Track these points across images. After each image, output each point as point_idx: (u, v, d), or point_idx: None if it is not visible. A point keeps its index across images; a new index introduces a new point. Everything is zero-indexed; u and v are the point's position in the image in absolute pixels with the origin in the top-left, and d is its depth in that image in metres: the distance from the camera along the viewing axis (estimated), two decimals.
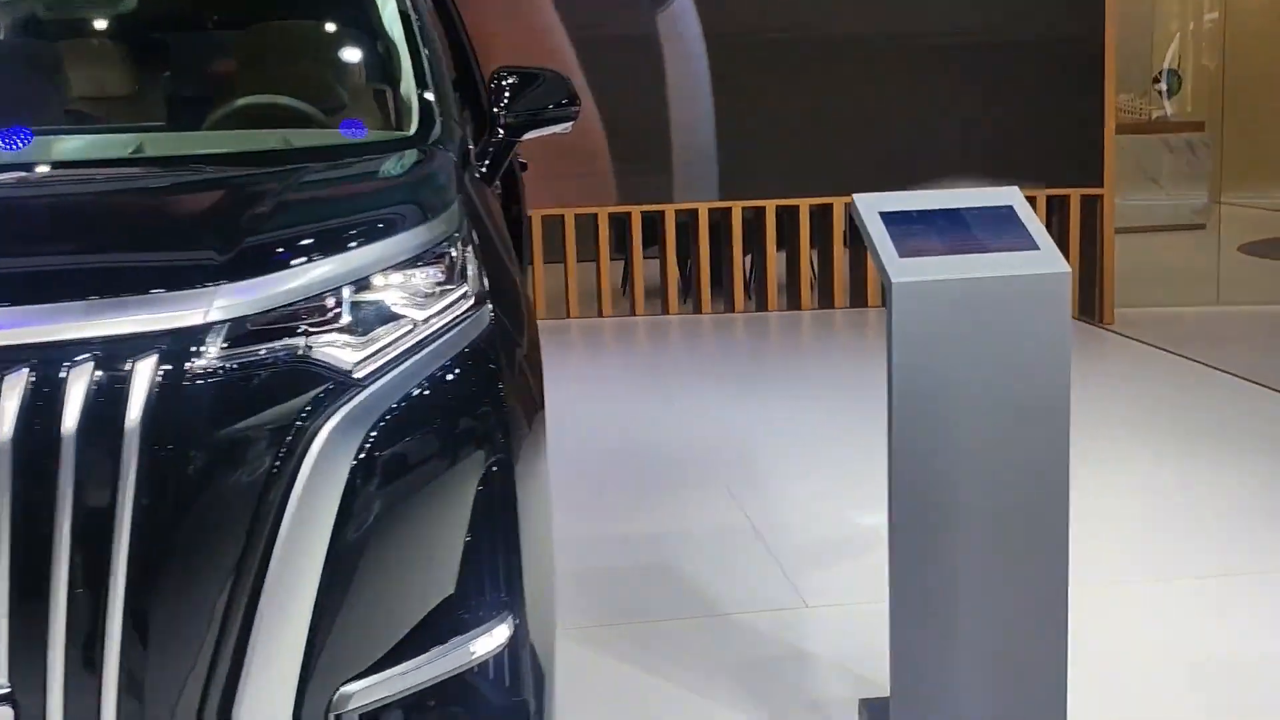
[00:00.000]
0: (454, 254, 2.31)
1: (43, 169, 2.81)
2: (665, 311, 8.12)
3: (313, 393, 2.05)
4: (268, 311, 2.07)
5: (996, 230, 2.74)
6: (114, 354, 1.96)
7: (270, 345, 2.06)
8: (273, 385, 2.04)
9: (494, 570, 2.22)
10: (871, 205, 2.76)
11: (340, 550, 2.03)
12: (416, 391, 2.14)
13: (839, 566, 3.88)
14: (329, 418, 2.04)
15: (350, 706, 2.07)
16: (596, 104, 7.60)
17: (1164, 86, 11.64)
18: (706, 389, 6.24)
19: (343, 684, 2.07)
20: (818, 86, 7.82)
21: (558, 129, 3.35)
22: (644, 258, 8.15)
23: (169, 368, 1.98)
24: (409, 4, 3.23)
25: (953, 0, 7.86)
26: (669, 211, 7.99)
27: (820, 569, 3.86)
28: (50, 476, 1.89)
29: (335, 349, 2.10)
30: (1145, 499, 4.50)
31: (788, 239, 8.08)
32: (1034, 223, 2.76)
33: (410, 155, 2.77)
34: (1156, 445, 5.09)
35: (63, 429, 1.90)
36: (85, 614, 1.92)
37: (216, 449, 1.98)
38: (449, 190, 2.53)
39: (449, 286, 2.27)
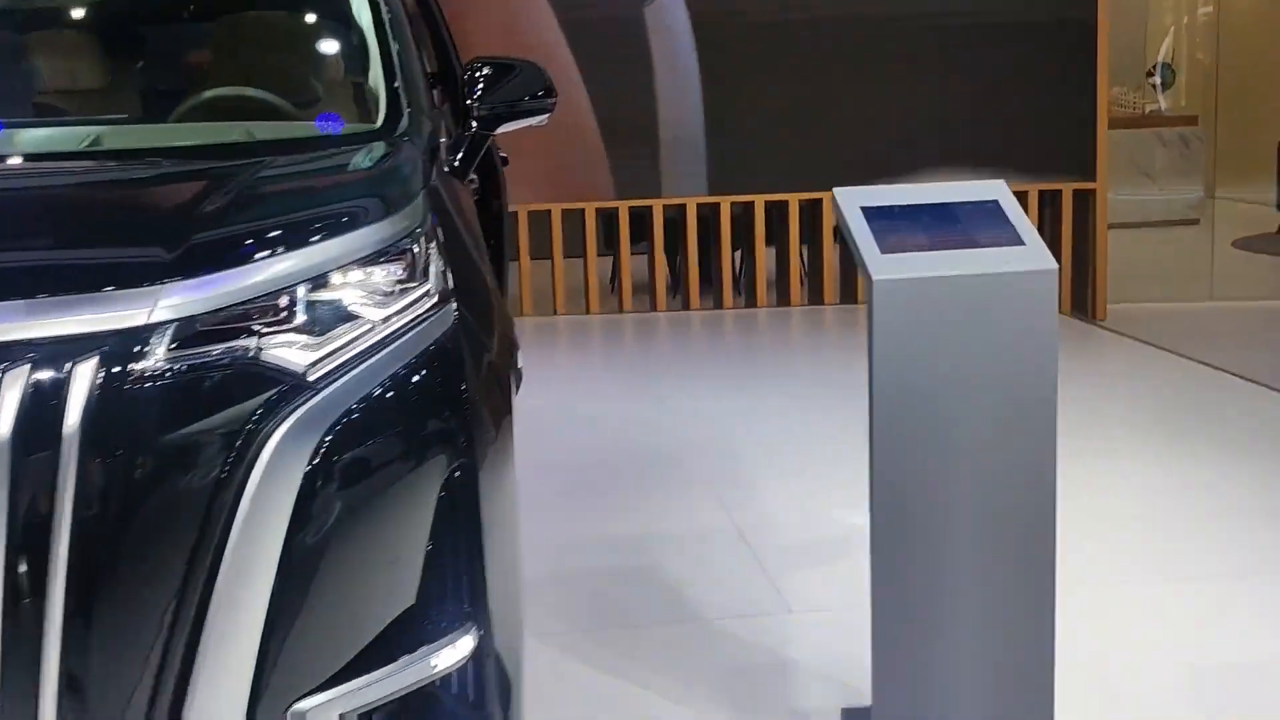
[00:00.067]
0: (416, 250, 2.23)
1: None
2: (653, 308, 8.05)
3: (264, 396, 1.98)
4: (218, 311, 2.00)
5: (981, 225, 2.67)
6: (54, 356, 1.89)
7: (220, 346, 1.99)
8: (222, 388, 1.97)
9: (457, 580, 2.15)
10: (853, 199, 2.69)
11: (293, 560, 1.96)
12: (374, 394, 2.07)
13: (824, 570, 3.80)
14: (281, 422, 1.97)
15: None
16: (590, 98, 7.54)
17: (1158, 80, 11.57)
18: (694, 387, 6.17)
19: (297, 699, 2.00)
20: (806, 80, 7.74)
21: (533, 121, 3.27)
22: (632, 253, 8.07)
23: (112, 370, 1.91)
24: None
25: None
26: (657, 207, 7.91)
27: (805, 573, 3.78)
28: None
29: (288, 350, 2.03)
30: (1140, 499, 4.43)
31: (777, 234, 8.01)
32: (1020, 218, 2.68)
33: (376, 148, 2.69)
34: (1150, 444, 5.03)
35: None
36: (25, 625, 1.85)
37: (161, 455, 1.92)
38: (413, 184, 2.44)
39: (410, 284, 2.19)
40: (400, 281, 2.18)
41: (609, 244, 8.10)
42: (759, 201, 7.88)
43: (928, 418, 2.54)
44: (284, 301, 2.05)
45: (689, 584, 3.72)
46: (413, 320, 2.16)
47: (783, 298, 8.10)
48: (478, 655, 2.14)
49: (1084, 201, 7.65)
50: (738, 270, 8.24)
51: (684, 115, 7.81)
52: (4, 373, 1.86)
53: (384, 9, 3.11)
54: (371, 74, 2.99)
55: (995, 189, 2.75)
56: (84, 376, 1.88)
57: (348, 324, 2.09)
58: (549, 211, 7.79)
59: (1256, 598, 3.55)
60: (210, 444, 1.93)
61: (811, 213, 7.93)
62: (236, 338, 2.00)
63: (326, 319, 2.08)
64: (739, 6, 7.77)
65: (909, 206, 2.69)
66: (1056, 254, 7.48)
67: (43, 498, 1.85)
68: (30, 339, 1.90)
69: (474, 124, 3.17)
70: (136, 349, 1.92)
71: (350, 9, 3.18)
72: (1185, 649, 3.26)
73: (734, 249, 8.09)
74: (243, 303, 2.01)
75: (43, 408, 1.86)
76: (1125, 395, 5.89)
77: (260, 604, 1.94)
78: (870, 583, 2.62)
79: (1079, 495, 4.16)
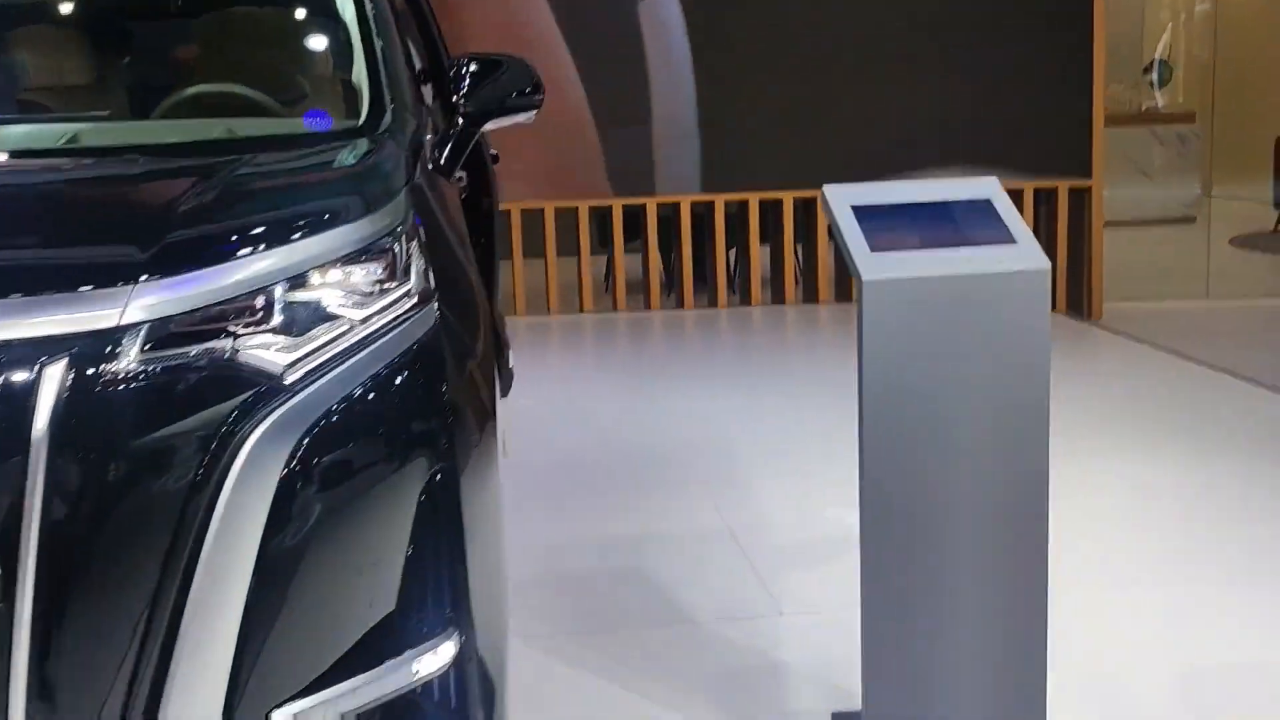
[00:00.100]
0: (397, 249, 2.19)
1: None
2: (648, 307, 8.01)
3: (240, 398, 1.94)
4: (193, 311, 1.96)
5: (973, 224, 2.63)
6: (24, 357, 1.86)
7: (195, 347, 1.95)
8: (197, 390, 1.94)
9: (438, 585, 2.11)
10: (842, 197, 2.65)
11: (270, 565, 1.93)
12: (353, 396, 2.03)
13: (818, 571, 3.77)
14: (257, 424, 1.93)
15: None
16: (587, 95, 7.51)
17: (1154, 77, 11.53)
18: (688, 385, 6.14)
19: (275, 706, 1.96)
20: (802, 78, 7.70)
21: (520, 118, 3.23)
22: (626, 252, 8.03)
23: (83, 372, 1.87)
24: None
25: None
26: (651, 205, 7.87)
27: (798, 574, 3.75)
28: None
29: (265, 351, 1.99)
30: (1134, 499, 4.40)
31: (771, 232, 7.97)
32: (1012, 216, 2.65)
33: (358, 145, 2.64)
34: (1145, 444, 4.99)
35: None
36: None
37: (134, 458, 1.88)
38: (394, 182, 2.40)
39: (390, 284, 2.15)
40: (380, 281, 2.14)
41: (603, 243, 8.06)
42: (754, 200, 7.84)
43: (919, 419, 2.51)
44: (261, 301, 2.01)
45: (680, 585, 3.69)
46: (393, 320, 2.12)
47: (777, 296, 8.06)
48: (460, 661, 2.11)
49: (1080, 199, 7.61)
50: (732, 268, 8.20)
51: (678, 112, 7.77)
52: None
53: (368, 5, 3.07)
54: (355, 70, 2.94)
55: (987, 186, 2.71)
56: (53, 379, 1.85)
57: (326, 324, 2.05)
58: (542, 210, 7.75)
59: (1251, 598, 3.52)
60: (185, 446, 1.90)
61: (806, 211, 7.89)
62: (212, 338, 1.96)
63: (304, 319, 2.04)
64: (735, 2, 7.73)
65: (900, 204, 2.66)
66: (1052, 252, 7.47)
67: (11, 501, 1.81)
68: (1, 340, 1.86)
69: (460, 120, 3.13)
70: (108, 350, 1.89)
71: (334, 4, 3.13)
72: (1179, 649, 3.23)
73: (729, 247, 8.06)
74: (219, 303, 1.98)
75: (11, 410, 1.83)
76: (1120, 394, 5.86)
77: (236, 608, 1.90)
78: (860, 586, 2.59)
79: (1073, 495, 4.14)
